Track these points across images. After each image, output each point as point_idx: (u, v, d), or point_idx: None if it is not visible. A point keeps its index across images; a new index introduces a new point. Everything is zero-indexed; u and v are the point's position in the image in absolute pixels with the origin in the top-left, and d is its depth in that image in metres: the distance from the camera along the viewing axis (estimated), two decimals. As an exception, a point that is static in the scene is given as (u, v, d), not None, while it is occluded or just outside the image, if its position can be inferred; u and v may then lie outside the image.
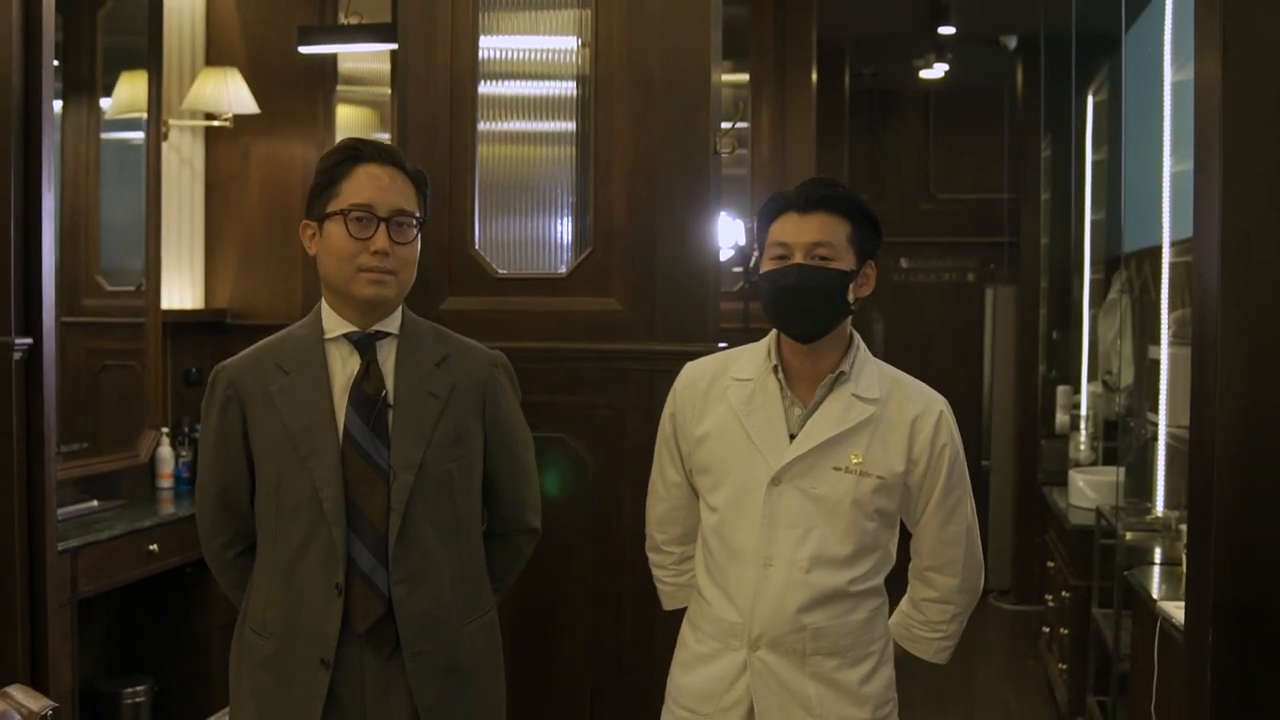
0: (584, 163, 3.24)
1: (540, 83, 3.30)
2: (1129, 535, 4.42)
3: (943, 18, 6.84)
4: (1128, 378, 5.61)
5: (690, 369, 2.50)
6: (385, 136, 5.40)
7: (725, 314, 3.44)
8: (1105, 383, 6.05)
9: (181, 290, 5.17)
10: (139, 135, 4.72)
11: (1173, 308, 4.68)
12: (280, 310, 5.11)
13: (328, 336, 2.32)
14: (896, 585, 2.47)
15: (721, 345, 2.93)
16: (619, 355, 3.15)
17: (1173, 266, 4.73)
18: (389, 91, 5.38)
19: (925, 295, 8.96)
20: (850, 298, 2.31)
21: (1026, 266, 7.93)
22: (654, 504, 2.56)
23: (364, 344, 2.31)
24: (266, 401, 2.29)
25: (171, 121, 5.00)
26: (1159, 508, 4.68)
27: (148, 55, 4.68)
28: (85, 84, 4.54)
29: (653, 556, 2.60)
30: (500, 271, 3.27)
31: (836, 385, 2.34)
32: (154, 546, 4.13)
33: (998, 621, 7.34)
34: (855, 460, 2.31)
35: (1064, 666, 5.39)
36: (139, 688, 4.31)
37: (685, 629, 2.47)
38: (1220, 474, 2.18)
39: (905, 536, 2.46)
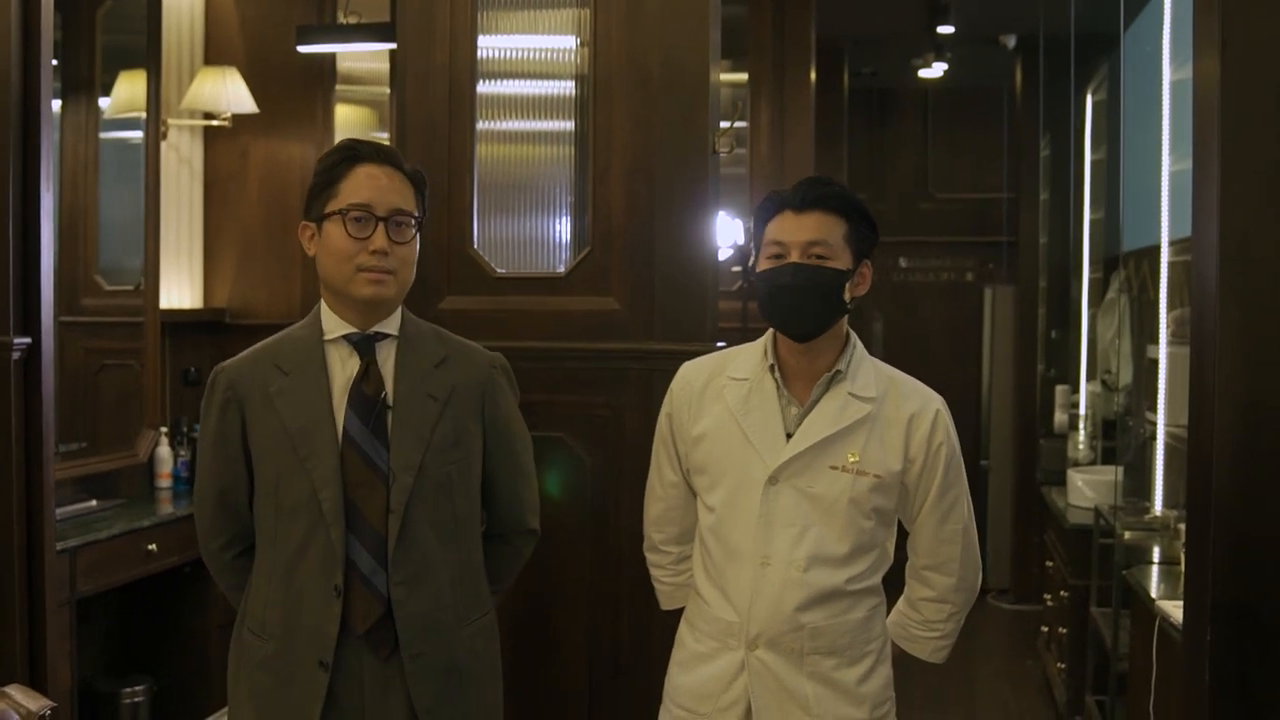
0: (582, 162, 3.24)
1: (539, 82, 3.30)
2: (1127, 535, 4.42)
3: (942, 17, 6.84)
4: (1126, 377, 5.62)
5: (687, 369, 2.50)
6: (384, 136, 5.40)
7: (724, 313, 3.44)
8: (1104, 382, 6.06)
9: (180, 290, 5.17)
10: (138, 134, 4.72)
11: (1171, 307, 4.68)
12: (279, 310, 5.11)
13: (327, 338, 2.32)
14: (894, 584, 2.47)
15: (720, 345, 2.93)
16: (617, 355, 3.15)
17: (1171, 265, 4.73)
18: (388, 91, 5.37)
19: (924, 295, 8.97)
20: (846, 297, 2.31)
21: (1025, 266, 7.93)
22: (651, 504, 2.56)
23: (363, 345, 2.31)
24: (266, 402, 2.29)
25: (170, 121, 5.00)
26: (1157, 507, 4.68)
27: (146, 54, 4.68)
28: (84, 83, 4.54)
29: (650, 556, 2.60)
30: (499, 271, 3.27)
31: (833, 384, 2.34)
32: (152, 546, 4.13)
33: (996, 621, 7.34)
34: (852, 459, 2.31)
35: (1062, 666, 5.39)
36: (137, 687, 4.31)
37: (683, 628, 2.47)
38: (1219, 473, 2.18)
39: (903, 535, 2.46)
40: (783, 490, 2.30)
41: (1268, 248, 2.17)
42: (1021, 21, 7.28)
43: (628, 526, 3.03)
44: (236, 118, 5.14)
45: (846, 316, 2.36)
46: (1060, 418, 6.71)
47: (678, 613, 2.53)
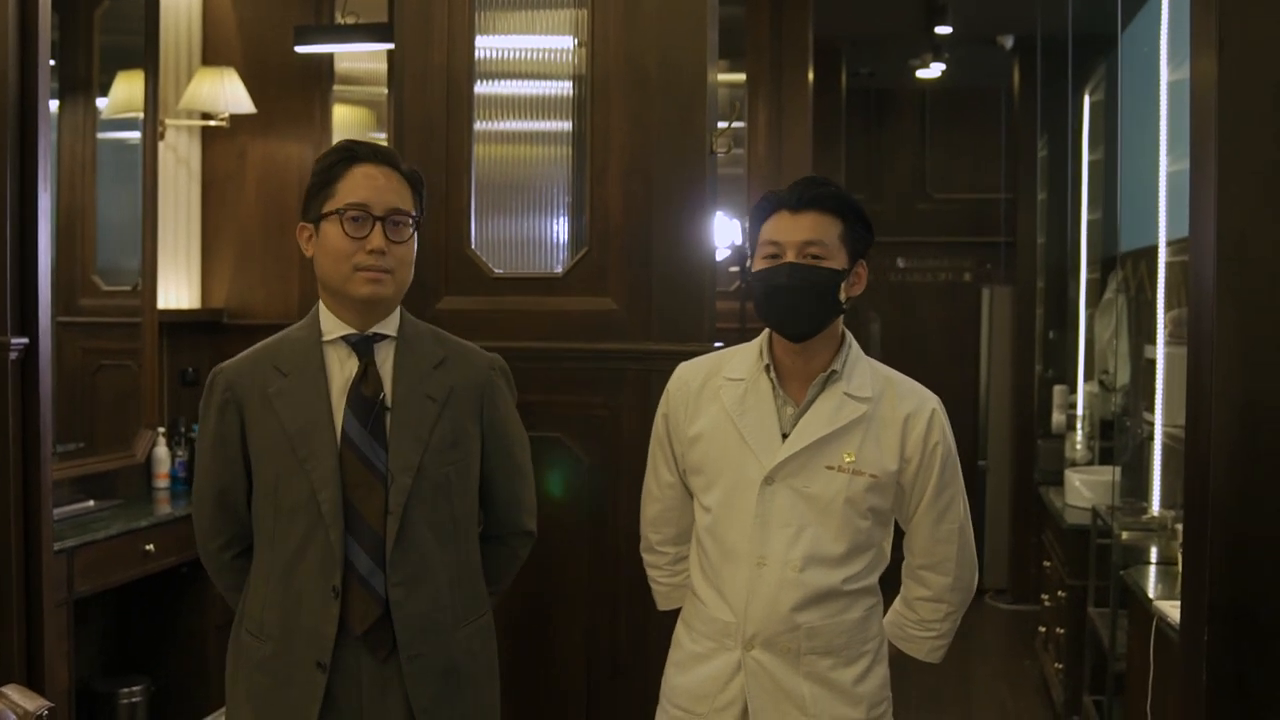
0: (580, 162, 3.24)
1: (536, 82, 3.30)
2: (1125, 535, 4.42)
3: (939, 17, 6.85)
4: (1124, 377, 5.62)
5: (683, 369, 2.50)
6: (382, 136, 5.40)
7: (721, 314, 3.44)
8: (1101, 382, 6.06)
9: (178, 290, 5.17)
10: (135, 135, 4.72)
11: (1169, 307, 4.69)
12: (277, 310, 5.11)
13: (326, 339, 2.32)
14: (891, 584, 2.47)
15: (717, 345, 2.93)
16: (615, 355, 3.15)
17: (1169, 266, 4.73)
18: (385, 91, 5.37)
19: (921, 295, 8.97)
20: (842, 297, 2.31)
21: (1023, 266, 7.93)
22: (648, 504, 2.55)
23: (362, 346, 2.31)
24: (264, 403, 2.29)
25: (168, 121, 4.99)
26: (1155, 507, 4.69)
27: (144, 55, 4.68)
28: (81, 83, 4.54)
29: (647, 557, 2.60)
30: (496, 271, 3.27)
31: (828, 384, 2.34)
32: (150, 546, 4.13)
33: (994, 621, 7.35)
34: (848, 459, 2.31)
35: (1060, 666, 5.39)
36: (135, 688, 4.31)
37: (680, 629, 2.47)
38: (1216, 473, 2.18)
39: (899, 535, 2.46)
40: (779, 490, 2.30)
41: (1265, 248, 2.17)
42: (1019, 22, 7.29)
43: (625, 527, 3.02)
44: (234, 118, 5.13)
45: (842, 316, 2.36)
46: (1058, 418, 6.71)
47: (675, 613, 2.53)
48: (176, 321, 5.02)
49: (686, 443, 2.42)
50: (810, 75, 5.94)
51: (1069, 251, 7.26)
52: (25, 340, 3.21)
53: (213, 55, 5.23)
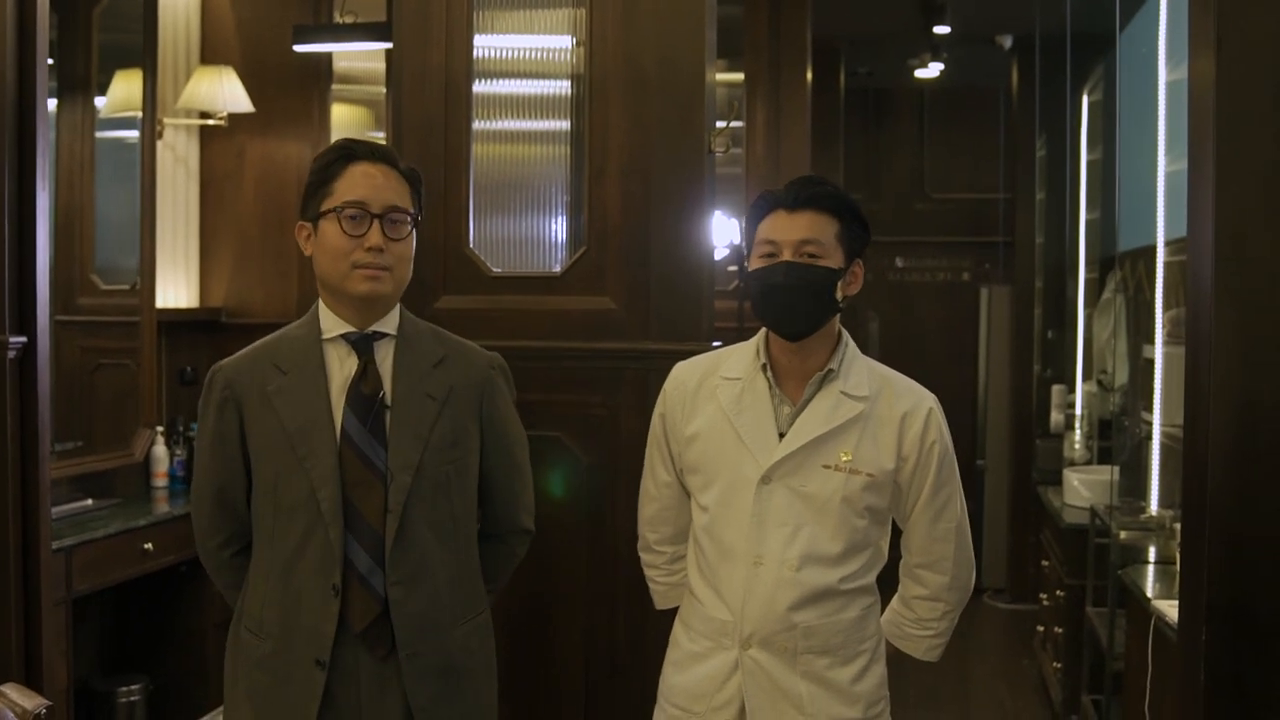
0: (578, 162, 3.24)
1: (535, 81, 3.30)
2: (1123, 534, 4.42)
3: (938, 17, 6.85)
4: (1122, 377, 5.62)
5: (679, 369, 2.50)
6: (380, 135, 5.40)
7: (720, 313, 3.44)
8: (1100, 382, 6.06)
9: (176, 289, 5.17)
10: (134, 134, 4.72)
11: (1167, 307, 4.69)
12: (275, 309, 5.11)
13: (325, 337, 2.32)
14: (889, 583, 2.47)
15: (716, 344, 2.93)
16: (613, 354, 3.15)
17: (1167, 266, 4.73)
18: (384, 90, 5.37)
19: (920, 295, 8.97)
20: (838, 296, 2.31)
21: (1021, 266, 7.93)
22: (645, 504, 2.55)
23: (361, 345, 2.31)
24: (264, 401, 2.29)
25: (166, 120, 4.99)
26: (1153, 507, 4.69)
27: (143, 53, 4.67)
28: (80, 82, 4.53)
29: (645, 556, 2.60)
30: (495, 270, 3.27)
31: (825, 383, 2.34)
32: (149, 545, 4.13)
33: (992, 620, 7.35)
34: (845, 458, 2.31)
35: (1058, 665, 5.39)
36: (134, 686, 4.31)
37: (677, 628, 2.47)
38: (1214, 473, 2.18)
39: (896, 534, 2.46)
40: (776, 489, 2.31)
41: (1263, 247, 2.17)
42: (1017, 22, 7.29)
43: (624, 526, 3.02)
44: (232, 117, 5.13)
45: (839, 316, 2.37)
46: (1056, 418, 6.71)
47: (673, 612, 2.53)
48: (175, 320, 5.02)
49: (683, 442, 2.42)
50: (809, 75, 5.95)
51: (1067, 251, 7.26)
52: (24, 339, 3.21)
53: (211, 54, 5.23)
